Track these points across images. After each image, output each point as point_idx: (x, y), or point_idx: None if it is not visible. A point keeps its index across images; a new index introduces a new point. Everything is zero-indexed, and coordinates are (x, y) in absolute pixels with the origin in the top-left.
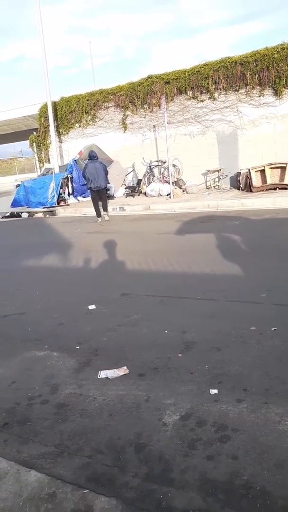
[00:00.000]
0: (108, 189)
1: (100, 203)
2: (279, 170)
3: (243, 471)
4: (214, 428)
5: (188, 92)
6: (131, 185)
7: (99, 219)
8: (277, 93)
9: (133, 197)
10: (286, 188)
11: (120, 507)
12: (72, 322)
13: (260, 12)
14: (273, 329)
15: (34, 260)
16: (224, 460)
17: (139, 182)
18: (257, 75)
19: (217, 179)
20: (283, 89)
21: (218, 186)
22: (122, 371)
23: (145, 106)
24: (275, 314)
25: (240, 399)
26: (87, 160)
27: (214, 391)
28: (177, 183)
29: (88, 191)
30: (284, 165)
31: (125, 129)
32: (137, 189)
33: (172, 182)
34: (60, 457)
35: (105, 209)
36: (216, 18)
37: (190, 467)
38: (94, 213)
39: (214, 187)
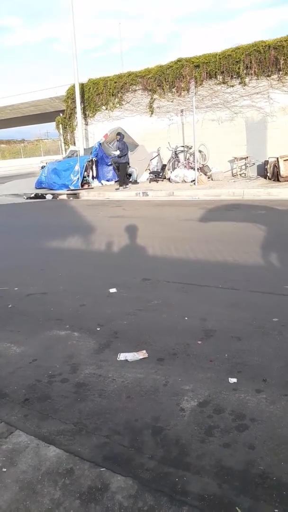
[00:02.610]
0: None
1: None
2: None
3: (259, 460)
4: (232, 417)
5: (218, 76)
6: (155, 170)
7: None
8: None
9: (157, 182)
10: None
11: (136, 487)
12: (93, 304)
13: None
14: None
15: (58, 241)
16: (241, 448)
17: (163, 167)
18: None
19: (243, 167)
20: None
21: (245, 174)
22: (141, 354)
23: (173, 90)
24: None
25: (260, 390)
26: (116, 142)
27: (233, 380)
28: (202, 169)
29: (112, 175)
30: None
31: (151, 113)
32: (161, 174)
33: (197, 168)
34: (78, 435)
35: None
36: (252, 1)
37: (206, 453)
38: (117, 198)
39: (240, 175)
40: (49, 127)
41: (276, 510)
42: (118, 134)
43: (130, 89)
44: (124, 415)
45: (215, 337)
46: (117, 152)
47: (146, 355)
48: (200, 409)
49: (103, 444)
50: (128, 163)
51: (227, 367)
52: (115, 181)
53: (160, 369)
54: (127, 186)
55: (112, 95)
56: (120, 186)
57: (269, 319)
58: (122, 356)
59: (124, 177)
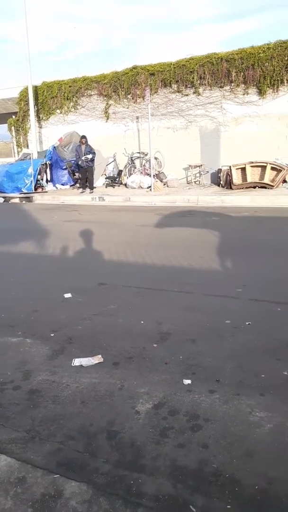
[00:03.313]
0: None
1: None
2: (259, 169)
3: (213, 459)
4: (186, 417)
5: (172, 85)
6: (111, 175)
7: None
8: (261, 93)
9: (113, 187)
10: (265, 187)
11: (90, 491)
12: (47, 310)
13: (249, 11)
14: (247, 323)
15: (9, 246)
16: (195, 448)
17: (119, 173)
18: (242, 73)
19: (198, 175)
20: (267, 89)
21: (199, 181)
22: (97, 359)
23: (129, 96)
24: (250, 309)
25: (213, 390)
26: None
27: (187, 381)
28: (158, 176)
29: (67, 179)
30: (265, 165)
31: (107, 119)
32: (117, 179)
33: (153, 175)
34: (31, 442)
35: None
36: (207, 14)
37: (161, 454)
38: (72, 202)
39: (195, 182)
40: (1, 129)
41: (228, 507)
42: (83, 137)
43: (85, 94)
44: (78, 420)
45: (170, 340)
46: (90, 156)
47: (102, 360)
48: (155, 411)
49: (56, 450)
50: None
51: (181, 369)
52: (71, 185)
53: (116, 373)
54: (92, 190)
55: (67, 99)
56: (90, 189)
57: (222, 321)
58: (76, 362)
59: (87, 181)
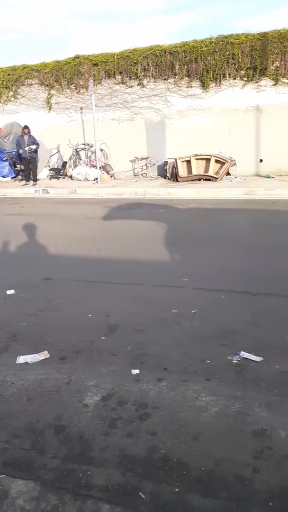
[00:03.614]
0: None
1: None
2: (204, 161)
3: (161, 445)
4: (135, 407)
5: (116, 76)
6: (56, 167)
7: None
8: (204, 86)
9: (58, 179)
10: (210, 179)
11: (38, 488)
12: None
13: (193, 5)
14: (193, 311)
15: None
16: (144, 436)
17: (64, 164)
18: (185, 66)
19: (144, 167)
20: (210, 82)
21: (146, 174)
22: (43, 355)
23: (72, 86)
24: (195, 298)
25: (161, 378)
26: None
27: (135, 371)
28: (105, 168)
29: (8, 171)
30: (209, 157)
31: (50, 109)
32: (62, 171)
33: (100, 167)
34: None
35: None
36: (153, 6)
37: (110, 445)
38: (14, 195)
39: (141, 174)
40: None
41: (176, 490)
42: (26, 127)
43: (26, 83)
44: (24, 418)
45: (119, 332)
46: (34, 146)
47: (48, 356)
48: (104, 403)
49: (1, 450)
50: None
51: (130, 360)
52: (12, 177)
53: (63, 368)
54: (35, 182)
55: (6, 87)
56: (34, 182)
57: (169, 310)
58: (21, 359)
59: (30, 173)
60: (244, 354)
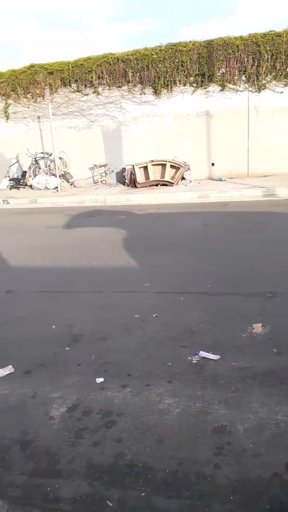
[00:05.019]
0: None
1: None
2: (160, 167)
3: (127, 451)
4: (100, 415)
5: (72, 84)
6: (15, 177)
7: None
8: (156, 92)
9: (18, 189)
10: (166, 185)
11: (6, 506)
12: None
13: (144, 13)
14: (154, 315)
15: None
16: (110, 444)
17: (24, 174)
18: (138, 74)
19: (103, 174)
20: (162, 89)
21: (105, 181)
22: (7, 370)
23: (29, 95)
24: (156, 302)
25: (125, 384)
26: None
27: (100, 380)
28: (65, 176)
29: None
30: (164, 163)
31: (7, 118)
32: (22, 181)
33: (59, 176)
34: None
35: None
36: (107, 14)
37: (77, 456)
38: None
39: (101, 181)
40: None
41: (143, 494)
42: None
43: None
44: None
45: (83, 341)
46: None
47: (12, 370)
48: (69, 414)
49: None
50: None
51: (94, 368)
52: None
53: (27, 382)
54: None
55: None
56: None
57: (131, 316)
58: None
59: None
60: (203, 354)
